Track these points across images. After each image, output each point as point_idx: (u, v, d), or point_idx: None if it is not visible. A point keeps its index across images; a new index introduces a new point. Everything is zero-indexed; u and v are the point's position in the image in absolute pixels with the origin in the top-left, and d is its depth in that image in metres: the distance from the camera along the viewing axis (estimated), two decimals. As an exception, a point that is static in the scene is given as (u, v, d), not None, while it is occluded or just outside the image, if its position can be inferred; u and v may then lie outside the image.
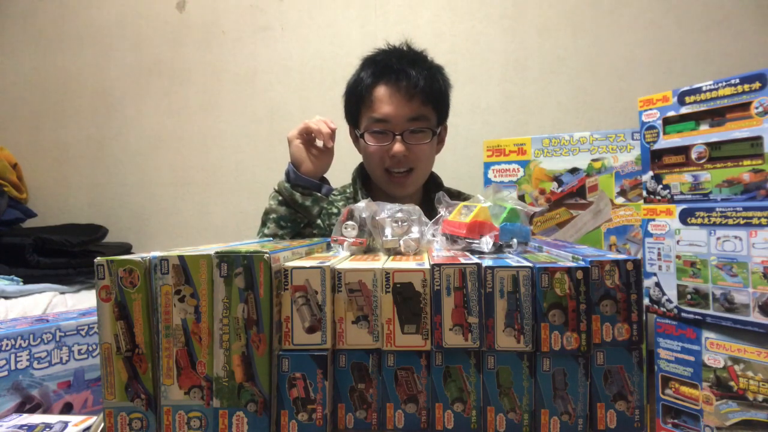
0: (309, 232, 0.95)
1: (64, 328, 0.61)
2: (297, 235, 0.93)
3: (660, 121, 0.62)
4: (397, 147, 0.93)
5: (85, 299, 1.30)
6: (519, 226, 0.54)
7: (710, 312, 0.56)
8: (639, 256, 0.47)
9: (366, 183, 1.06)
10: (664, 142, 0.62)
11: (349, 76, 1.02)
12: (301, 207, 0.89)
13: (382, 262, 0.46)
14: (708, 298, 0.56)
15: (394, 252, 0.54)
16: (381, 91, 0.94)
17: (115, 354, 0.42)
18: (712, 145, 0.57)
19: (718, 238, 0.55)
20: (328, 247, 0.63)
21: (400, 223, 0.55)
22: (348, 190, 1.07)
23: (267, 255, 0.41)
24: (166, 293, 0.41)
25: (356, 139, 1.02)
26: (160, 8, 1.64)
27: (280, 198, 0.91)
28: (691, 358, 0.58)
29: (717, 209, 0.55)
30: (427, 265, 0.42)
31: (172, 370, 0.41)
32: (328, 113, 1.53)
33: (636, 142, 0.79)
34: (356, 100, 0.98)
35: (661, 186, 0.62)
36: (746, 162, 0.55)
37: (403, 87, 0.92)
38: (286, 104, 1.59)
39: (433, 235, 0.57)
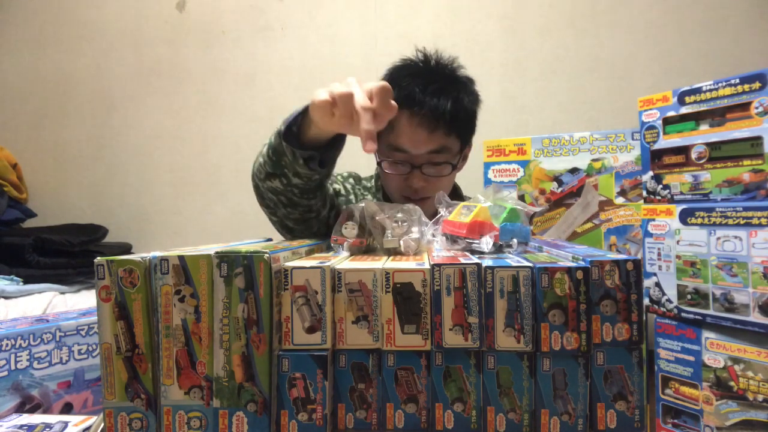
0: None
1: (64, 328, 0.61)
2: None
3: (660, 121, 0.62)
4: (416, 181, 0.87)
5: (85, 299, 1.30)
6: (519, 226, 0.54)
7: (710, 312, 0.56)
8: (639, 256, 0.47)
9: None
10: (664, 142, 0.62)
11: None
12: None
13: (382, 262, 0.46)
14: (708, 298, 0.56)
15: (394, 252, 0.54)
16: (402, 119, 0.84)
17: (115, 354, 0.42)
18: (712, 145, 0.57)
19: (718, 238, 0.55)
20: (328, 247, 0.63)
21: (400, 223, 0.55)
22: (369, 183, 1.04)
23: (267, 255, 0.41)
24: (166, 293, 0.41)
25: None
26: (160, 8, 1.64)
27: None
28: (691, 358, 0.58)
29: (717, 209, 0.55)
30: (427, 265, 0.42)
31: (172, 370, 0.41)
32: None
33: (636, 142, 0.79)
34: None
35: (661, 186, 0.62)
36: (746, 162, 0.55)
37: (426, 118, 0.83)
38: (286, 104, 1.57)
39: (433, 235, 0.57)
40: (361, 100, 0.56)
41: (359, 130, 0.56)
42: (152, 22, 1.64)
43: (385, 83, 0.58)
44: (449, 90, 0.86)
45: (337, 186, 0.97)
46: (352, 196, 0.99)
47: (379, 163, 0.91)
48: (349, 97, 0.57)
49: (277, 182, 0.75)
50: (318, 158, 0.69)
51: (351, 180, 1.03)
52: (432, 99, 0.84)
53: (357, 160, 1.04)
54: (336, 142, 0.71)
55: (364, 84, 0.59)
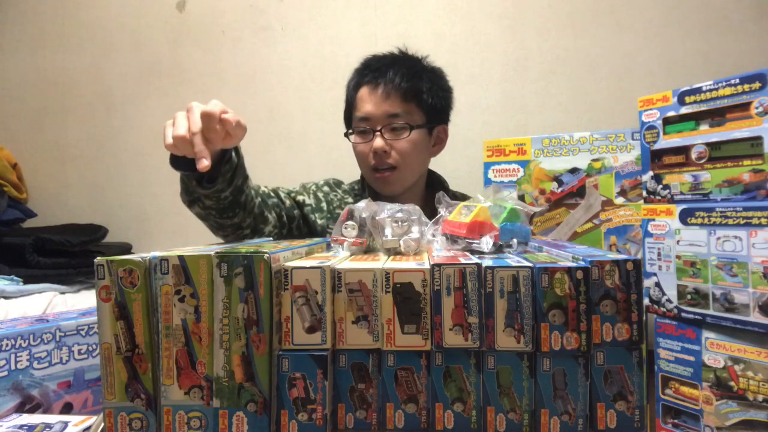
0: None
1: (64, 328, 0.61)
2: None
3: (660, 121, 0.62)
4: (377, 142, 0.95)
5: (85, 299, 1.30)
6: (519, 226, 0.54)
7: (710, 312, 0.56)
8: (639, 256, 0.47)
9: None
10: (664, 142, 0.62)
11: (348, 77, 1.03)
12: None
13: (382, 262, 0.46)
14: (708, 298, 0.56)
15: (394, 252, 0.54)
16: (363, 92, 0.98)
17: (115, 354, 0.42)
18: (712, 145, 0.57)
19: (718, 238, 0.55)
20: (328, 247, 0.63)
21: (400, 223, 0.55)
22: (356, 187, 1.08)
23: (267, 255, 0.41)
24: (166, 293, 0.41)
25: None
26: (160, 8, 1.64)
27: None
28: (691, 358, 0.58)
29: (717, 209, 0.55)
30: (427, 265, 0.42)
31: (172, 370, 0.41)
32: (328, 113, 1.54)
33: (636, 142, 0.79)
34: (348, 105, 1.03)
35: (661, 186, 0.62)
36: (746, 162, 0.55)
37: (381, 85, 0.96)
38: (286, 104, 1.58)
39: (433, 235, 0.57)
40: (194, 128, 0.64)
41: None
42: (152, 22, 1.64)
43: (210, 110, 0.66)
44: (404, 64, 0.98)
45: (301, 197, 1.01)
46: (324, 204, 1.02)
47: (347, 135, 1.01)
48: (183, 138, 0.63)
49: (197, 208, 0.81)
50: (205, 177, 0.74)
51: (326, 187, 1.06)
52: (386, 68, 0.97)
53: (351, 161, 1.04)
54: (223, 159, 0.75)
55: (200, 109, 0.66)
